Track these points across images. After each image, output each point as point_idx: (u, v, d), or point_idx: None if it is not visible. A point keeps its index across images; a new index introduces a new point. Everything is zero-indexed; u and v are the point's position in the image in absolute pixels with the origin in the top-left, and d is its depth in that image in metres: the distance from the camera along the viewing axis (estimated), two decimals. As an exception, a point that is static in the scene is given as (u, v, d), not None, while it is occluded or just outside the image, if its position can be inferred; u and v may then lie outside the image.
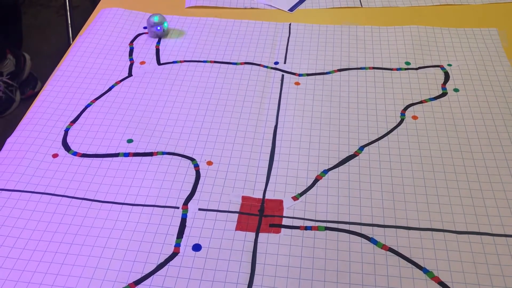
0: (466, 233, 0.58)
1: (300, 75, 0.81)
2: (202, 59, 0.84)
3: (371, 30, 0.89)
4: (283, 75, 0.81)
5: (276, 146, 0.69)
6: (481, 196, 0.62)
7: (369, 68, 0.81)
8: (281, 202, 0.63)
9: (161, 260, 0.57)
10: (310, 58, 0.84)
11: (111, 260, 0.57)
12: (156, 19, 0.87)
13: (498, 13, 0.92)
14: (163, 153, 0.68)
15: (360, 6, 0.95)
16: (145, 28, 0.91)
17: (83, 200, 0.63)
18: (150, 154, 0.68)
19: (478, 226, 0.59)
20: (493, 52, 0.83)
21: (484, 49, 0.83)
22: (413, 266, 0.55)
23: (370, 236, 0.58)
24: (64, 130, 0.72)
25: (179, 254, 0.57)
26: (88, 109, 0.75)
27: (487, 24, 0.89)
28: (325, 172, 0.66)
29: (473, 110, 0.73)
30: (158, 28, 0.87)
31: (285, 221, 0.60)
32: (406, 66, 0.81)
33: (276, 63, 0.83)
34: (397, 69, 0.80)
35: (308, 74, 0.81)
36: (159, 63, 0.83)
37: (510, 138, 0.69)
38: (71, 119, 0.74)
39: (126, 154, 0.68)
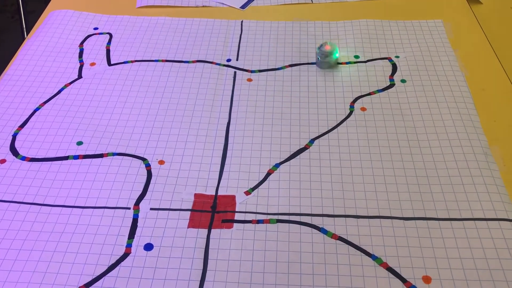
0: (412, 219, 0.60)
1: (252, 71, 0.81)
2: (153, 59, 0.83)
3: (321, 25, 0.90)
4: (235, 72, 0.81)
5: (229, 142, 0.70)
6: (427, 183, 0.64)
7: (320, 62, 0.82)
8: (233, 197, 0.63)
9: (112, 261, 0.56)
10: (262, 54, 0.85)
11: (61, 264, 0.56)
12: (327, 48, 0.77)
13: (443, 5, 0.95)
14: (114, 154, 0.68)
15: (311, 2, 0.96)
16: (94, 29, 0.90)
17: (32, 205, 0.62)
18: (101, 155, 0.67)
19: (424, 211, 0.61)
20: (438, 43, 0.85)
21: (430, 41, 0.86)
22: (362, 254, 0.57)
23: (321, 226, 0.59)
24: (12, 135, 0.70)
25: (130, 255, 0.57)
26: (37, 113, 0.74)
27: (433, 16, 0.91)
28: (277, 166, 0.67)
29: (420, 100, 0.75)
30: (328, 57, 0.77)
31: (237, 216, 0.61)
32: (355, 60, 0.82)
33: (229, 60, 0.83)
34: (347, 63, 0.82)
35: (260, 71, 0.81)
36: (109, 63, 0.83)
37: (455, 125, 0.71)
38: (19, 123, 0.72)
39: (76, 157, 0.67)
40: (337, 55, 0.79)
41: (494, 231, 0.58)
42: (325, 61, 0.79)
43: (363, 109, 0.74)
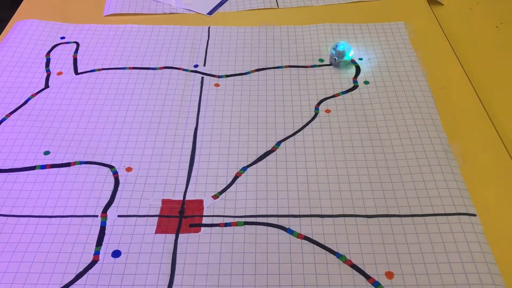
0: (375, 216, 0.62)
1: (219, 76, 0.82)
2: (121, 66, 0.84)
3: (287, 29, 0.91)
4: (202, 78, 0.82)
5: (196, 147, 0.71)
6: (389, 181, 0.66)
7: (285, 66, 0.84)
8: (201, 202, 0.64)
9: (80, 269, 0.56)
10: (229, 59, 0.86)
11: (28, 274, 0.56)
12: (343, 47, 0.80)
13: (405, 7, 0.97)
14: (81, 162, 0.68)
15: (277, 7, 0.98)
16: (61, 38, 0.89)
17: (-2, 216, 0.61)
18: (68, 164, 0.68)
19: (387, 209, 0.63)
20: (400, 44, 0.87)
21: (393, 42, 0.88)
22: (327, 252, 0.58)
23: (287, 226, 0.61)
24: (-22, 147, 0.70)
25: (98, 262, 0.57)
26: (3, 123, 0.74)
27: (395, 18, 0.94)
28: (244, 169, 0.68)
29: (382, 100, 0.77)
30: (345, 55, 0.80)
31: (205, 220, 0.62)
32: (319, 63, 0.84)
33: (196, 66, 0.84)
34: (312, 66, 0.83)
35: (227, 75, 0.83)
36: (76, 72, 0.83)
37: (416, 124, 0.73)
38: (-15, 135, 0.72)
39: (43, 167, 0.67)
40: (351, 53, 0.82)
41: (454, 225, 0.60)
42: (343, 61, 0.81)
43: (327, 111, 0.75)
